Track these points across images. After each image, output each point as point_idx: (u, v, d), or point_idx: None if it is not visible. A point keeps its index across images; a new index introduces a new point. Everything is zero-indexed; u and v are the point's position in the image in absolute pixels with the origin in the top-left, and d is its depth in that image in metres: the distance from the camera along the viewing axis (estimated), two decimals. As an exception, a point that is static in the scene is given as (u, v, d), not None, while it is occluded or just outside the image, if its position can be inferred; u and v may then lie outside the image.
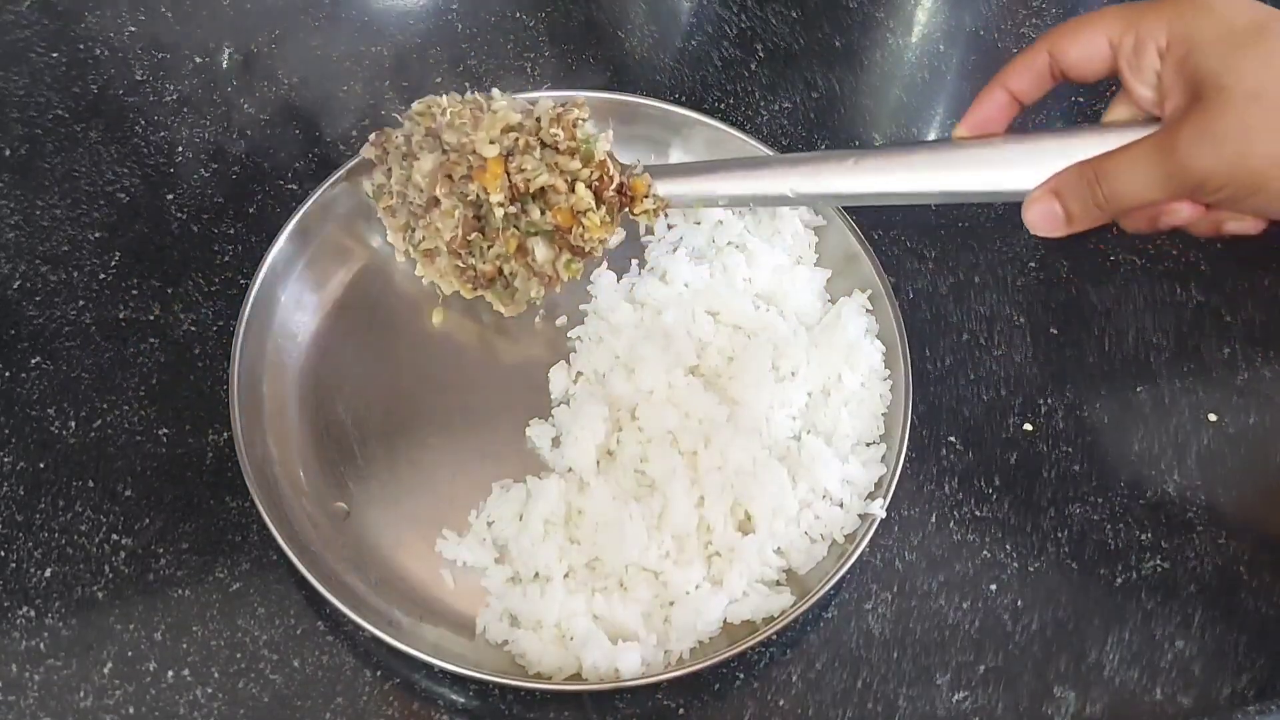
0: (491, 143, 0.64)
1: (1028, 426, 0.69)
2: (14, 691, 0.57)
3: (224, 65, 0.81)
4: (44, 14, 0.81)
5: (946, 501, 0.66)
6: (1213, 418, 0.70)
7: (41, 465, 0.63)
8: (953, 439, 0.68)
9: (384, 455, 0.65)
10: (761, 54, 0.85)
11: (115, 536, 0.61)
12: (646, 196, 0.66)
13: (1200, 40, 0.53)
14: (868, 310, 0.68)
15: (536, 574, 0.60)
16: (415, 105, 0.67)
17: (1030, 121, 0.83)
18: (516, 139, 0.65)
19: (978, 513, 0.66)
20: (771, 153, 0.73)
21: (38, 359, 0.67)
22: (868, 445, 0.64)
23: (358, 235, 0.71)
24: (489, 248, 0.67)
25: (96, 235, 0.72)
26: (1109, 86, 0.85)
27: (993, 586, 0.63)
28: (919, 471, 0.67)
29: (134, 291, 0.70)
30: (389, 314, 0.70)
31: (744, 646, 0.57)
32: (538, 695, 0.58)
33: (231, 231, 0.73)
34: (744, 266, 0.70)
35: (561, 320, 0.70)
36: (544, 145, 0.65)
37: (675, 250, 0.71)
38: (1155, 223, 0.57)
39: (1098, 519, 0.66)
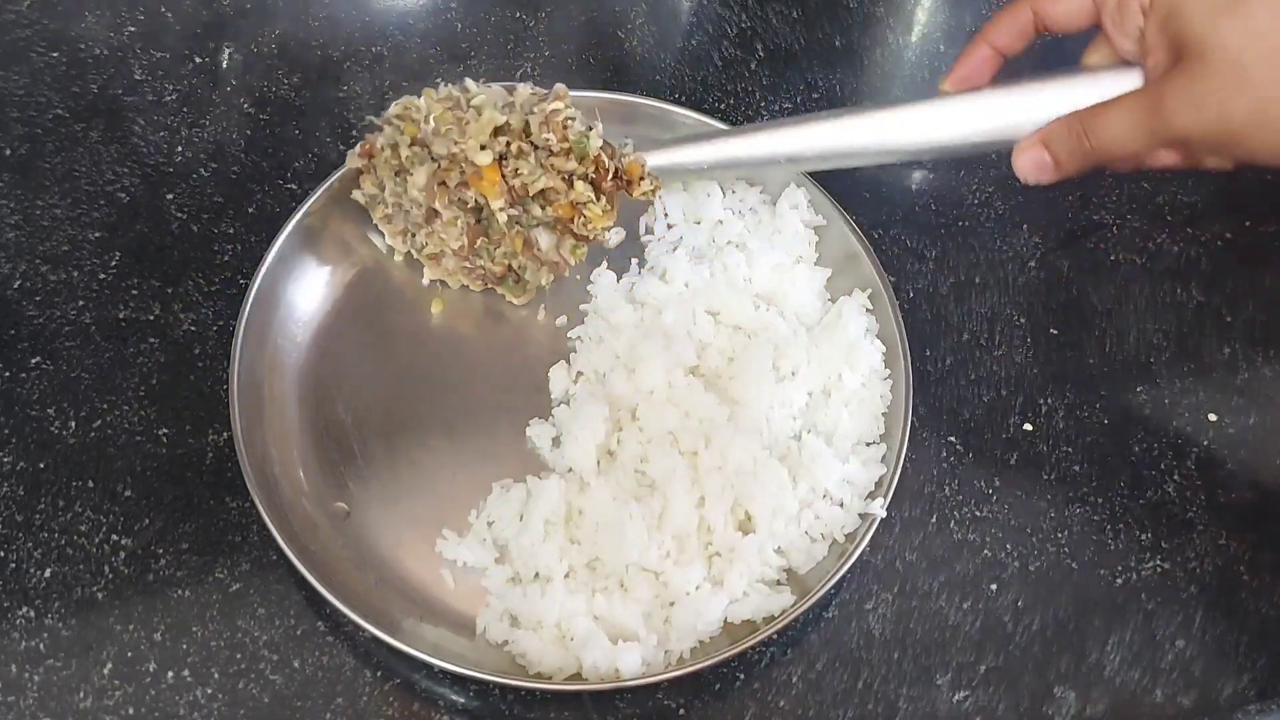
0: (483, 148, 0.65)
1: (1028, 426, 0.69)
2: (13, 692, 0.57)
3: (224, 65, 0.81)
4: (44, 14, 0.81)
5: (947, 501, 0.66)
6: (1213, 418, 0.70)
7: (41, 465, 0.63)
8: (953, 439, 0.68)
9: (384, 455, 0.65)
10: (761, 54, 0.85)
11: (115, 537, 0.61)
12: (643, 178, 0.66)
13: (1182, 2, 0.55)
14: (868, 310, 0.68)
15: (537, 574, 0.60)
16: (392, 108, 0.67)
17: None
18: (508, 143, 0.65)
19: (978, 513, 0.66)
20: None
21: (38, 359, 0.67)
22: (868, 445, 0.64)
23: (358, 235, 0.71)
24: (496, 249, 0.68)
25: (96, 235, 0.72)
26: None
27: (993, 586, 0.63)
28: (919, 471, 0.67)
29: (134, 291, 0.70)
30: (389, 314, 0.70)
31: (744, 646, 0.57)
32: (538, 695, 0.58)
33: (231, 231, 0.73)
34: (744, 266, 0.70)
35: (561, 320, 0.70)
36: (537, 148, 0.65)
37: (675, 250, 0.71)
38: (1139, 166, 0.60)
39: (1098, 519, 0.66)
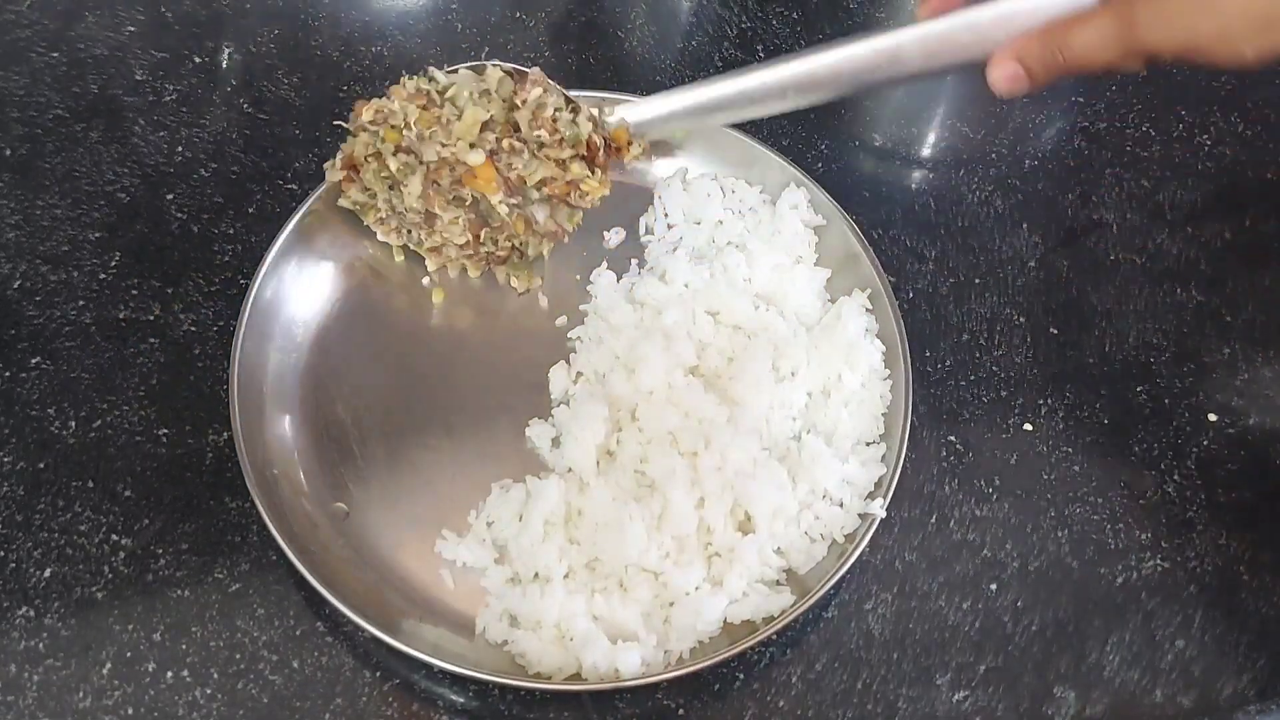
0: (472, 146, 0.65)
1: (1028, 426, 0.69)
2: (13, 692, 0.57)
3: (224, 65, 0.81)
4: (44, 14, 0.82)
5: (947, 501, 0.66)
6: (1213, 418, 0.70)
7: (41, 465, 0.63)
8: (953, 439, 0.68)
9: (384, 455, 0.65)
10: (762, 54, 0.85)
11: (115, 537, 0.61)
12: (630, 143, 0.68)
13: None
14: (868, 310, 0.68)
15: (536, 574, 0.60)
16: (363, 114, 0.67)
17: (1029, 121, 0.83)
18: (498, 138, 0.65)
19: (978, 513, 0.66)
20: (771, 152, 0.73)
21: (38, 359, 0.67)
22: (868, 445, 0.64)
23: (357, 235, 0.71)
24: (499, 235, 0.68)
25: (96, 235, 0.72)
26: (1109, 85, 0.85)
27: (993, 586, 0.63)
28: (919, 471, 0.67)
29: (134, 291, 0.70)
30: (389, 314, 0.70)
31: (744, 646, 0.57)
32: (538, 695, 0.58)
33: (231, 231, 0.73)
34: (744, 266, 0.69)
35: (561, 320, 0.70)
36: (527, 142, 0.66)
37: (675, 250, 0.71)
38: (1109, 70, 0.61)
39: (1098, 519, 0.66)
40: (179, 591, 0.60)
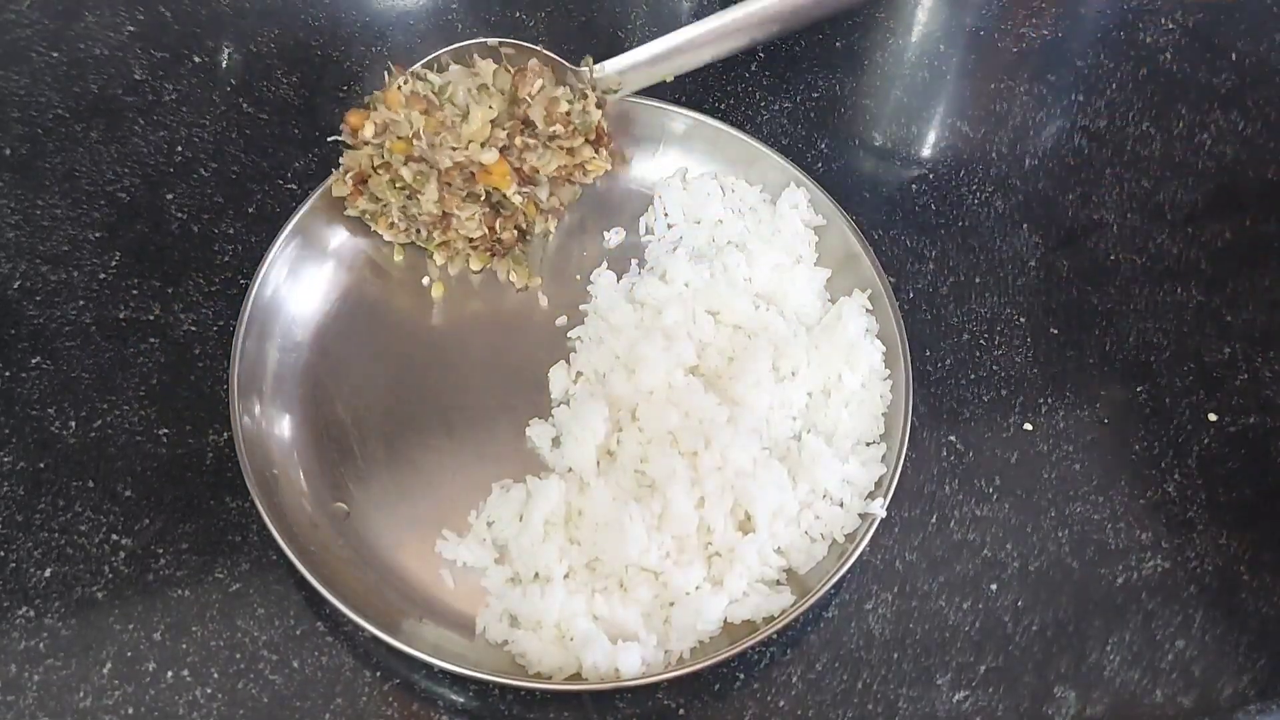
0: (485, 146, 0.65)
1: (1028, 426, 0.69)
2: (13, 691, 0.57)
3: (224, 65, 0.81)
4: (44, 14, 0.82)
5: (947, 501, 0.66)
6: (1213, 418, 0.70)
7: (41, 465, 0.63)
8: (953, 439, 0.68)
9: (384, 455, 0.65)
10: (762, 54, 0.85)
11: (115, 537, 0.61)
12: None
13: None
14: (868, 310, 0.68)
15: (536, 574, 0.60)
16: (366, 130, 0.67)
17: (1029, 121, 0.83)
18: (508, 134, 0.65)
19: (978, 513, 0.66)
20: (771, 151, 0.73)
21: (38, 359, 0.67)
22: (868, 445, 0.64)
23: (357, 234, 0.71)
24: (510, 224, 0.70)
25: (96, 235, 0.72)
26: (1107, 85, 0.85)
27: (993, 586, 0.63)
28: (919, 471, 0.67)
29: (134, 291, 0.70)
30: (389, 314, 0.70)
31: (744, 646, 0.57)
32: (538, 695, 0.58)
33: (231, 231, 0.73)
34: (744, 266, 0.69)
35: (561, 320, 0.70)
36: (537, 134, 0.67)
37: (675, 250, 0.71)
38: None
39: (1098, 519, 0.66)
40: (179, 591, 0.60)
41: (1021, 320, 0.73)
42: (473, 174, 0.67)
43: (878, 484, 0.62)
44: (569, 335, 0.69)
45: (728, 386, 0.65)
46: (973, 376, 0.71)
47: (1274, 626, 0.63)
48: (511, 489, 0.62)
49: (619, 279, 0.71)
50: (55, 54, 0.80)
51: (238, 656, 0.59)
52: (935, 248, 0.76)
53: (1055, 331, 0.73)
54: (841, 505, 0.62)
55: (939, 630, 0.62)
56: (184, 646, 0.58)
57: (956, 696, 0.60)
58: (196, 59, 0.81)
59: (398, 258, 0.71)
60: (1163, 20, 0.89)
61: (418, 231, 0.70)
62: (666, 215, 0.73)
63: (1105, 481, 0.67)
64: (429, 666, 0.57)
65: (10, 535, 0.61)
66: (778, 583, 0.61)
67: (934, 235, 0.76)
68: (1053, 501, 0.66)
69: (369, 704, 0.58)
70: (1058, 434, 0.69)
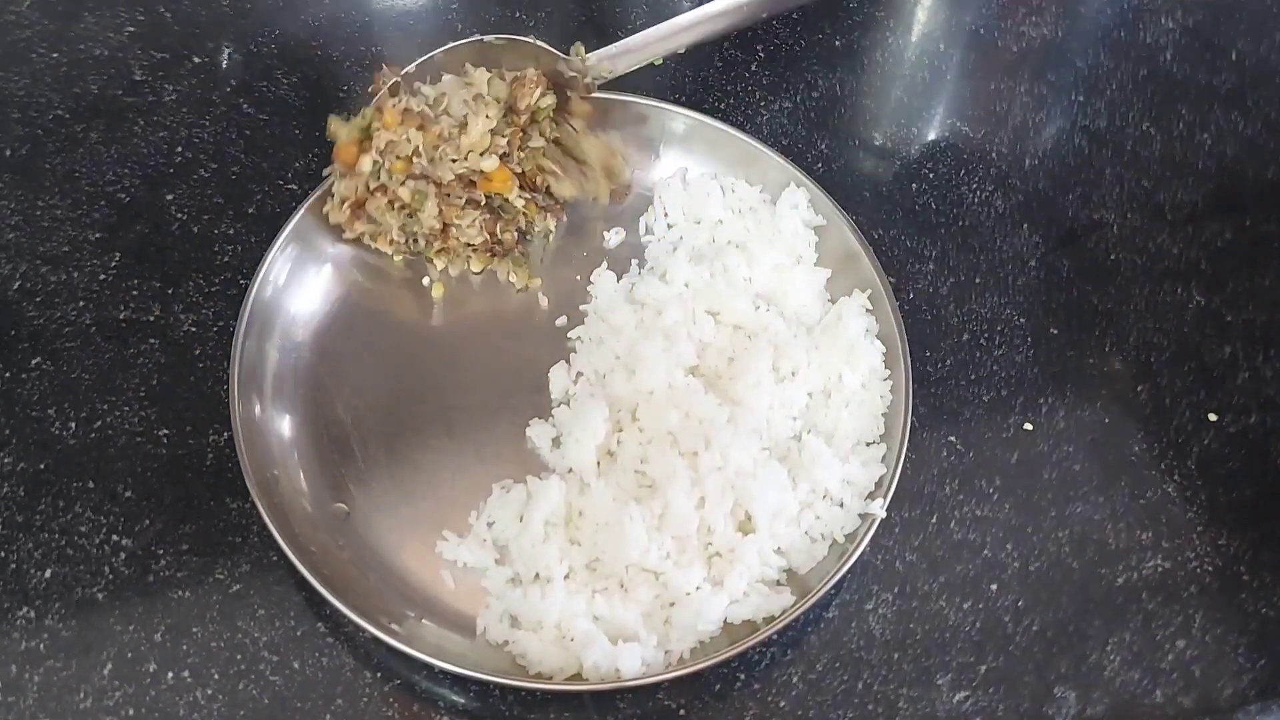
0: (484, 155, 0.65)
1: (1028, 426, 0.69)
2: (13, 692, 0.57)
3: (224, 65, 0.81)
4: (44, 14, 0.81)
5: (947, 501, 0.66)
6: (1213, 418, 0.70)
7: (41, 466, 0.63)
8: (953, 439, 0.68)
9: (384, 456, 0.65)
10: (762, 54, 0.85)
11: (115, 537, 0.61)
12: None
13: None
14: (868, 310, 0.68)
15: (537, 575, 0.60)
16: (364, 164, 0.67)
17: (1029, 121, 0.83)
18: (508, 141, 0.66)
19: (978, 513, 0.66)
20: (771, 151, 0.73)
21: (38, 359, 0.67)
22: (868, 445, 0.64)
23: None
24: (510, 223, 0.70)
25: (96, 235, 0.72)
26: (1108, 85, 0.85)
27: (993, 587, 0.63)
28: (919, 471, 0.67)
29: (134, 292, 0.70)
30: (388, 314, 0.70)
31: (744, 646, 0.57)
32: (538, 695, 0.58)
33: (231, 231, 0.73)
34: (744, 266, 0.69)
35: (561, 320, 0.70)
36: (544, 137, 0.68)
37: (675, 250, 0.71)
38: None
39: (1098, 519, 0.66)
40: (180, 592, 0.60)
41: (1021, 320, 0.73)
42: (473, 182, 0.67)
43: (878, 484, 0.62)
44: (569, 335, 0.69)
45: (728, 387, 0.65)
46: (973, 376, 0.71)
47: (1274, 626, 0.63)
48: (512, 489, 0.62)
49: (619, 279, 0.71)
50: (55, 55, 0.80)
51: (238, 657, 0.59)
52: (935, 248, 0.76)
53: (1055, 331, 0.73)
54: (842, 505, 0.62)
55: (939, 630, 0.62)
56: (184, 647, 0.58)
57: (957, 697, 0.60)
58: (196, 59, 0.81)
59: (397, 259, 0.71)
60: (1163, 20, 0.89)
61: (417, 242, 0.70)
62: (666, 215, 0.73)
63: (1105, 481, 0.67)
64: (430, 667, 0.57)
65: (10, 536, 0.61)
66: (778, 583, 0.61)
67: (934, 235, 0.76)
68: (1053, 502, 0.66)
69: (370, 705, 0.58)
70: (1058, 434, 0.69)
